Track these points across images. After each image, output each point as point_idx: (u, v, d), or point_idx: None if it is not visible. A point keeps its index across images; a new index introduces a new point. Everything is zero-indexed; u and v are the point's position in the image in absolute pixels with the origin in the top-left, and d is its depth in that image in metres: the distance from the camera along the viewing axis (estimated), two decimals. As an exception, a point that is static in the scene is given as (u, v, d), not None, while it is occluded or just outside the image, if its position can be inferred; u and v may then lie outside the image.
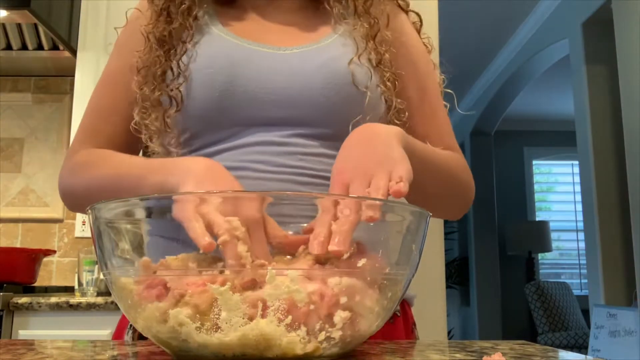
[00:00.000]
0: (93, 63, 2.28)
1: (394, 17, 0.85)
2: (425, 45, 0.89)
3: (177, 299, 0.44)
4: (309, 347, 0.44)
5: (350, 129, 0.75)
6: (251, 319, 0.43)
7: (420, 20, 0.91)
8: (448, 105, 0.89)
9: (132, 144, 0.84)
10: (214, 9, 0.84)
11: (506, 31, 4.71)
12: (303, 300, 0.43)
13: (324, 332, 0.44)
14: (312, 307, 0.44)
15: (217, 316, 0.43)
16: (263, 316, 0.43)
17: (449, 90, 0.91)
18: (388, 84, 0.79)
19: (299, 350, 0.43)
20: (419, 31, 0.90)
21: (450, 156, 0.82)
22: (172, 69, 0.77)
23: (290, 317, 0.43)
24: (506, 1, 4.17)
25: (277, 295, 0.42)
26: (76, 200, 0.81)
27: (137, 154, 0.86)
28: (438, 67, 0.92)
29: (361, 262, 0.46)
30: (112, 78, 0.85)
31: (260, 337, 0.42)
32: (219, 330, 0.42)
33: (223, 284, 0.43)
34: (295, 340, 0.43)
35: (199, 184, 0.57)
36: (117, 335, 0.79)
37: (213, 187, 0.57)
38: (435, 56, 0.93)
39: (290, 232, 0.51)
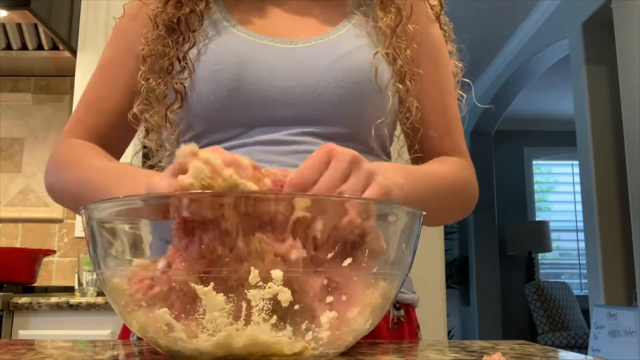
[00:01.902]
0: (93, 63, 2.27)
1: (416, 5, 0.81)
2: (444, 31, 0.86)
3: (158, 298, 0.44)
4: (297, 347, 0.43)
5: (372, 132, 0.73)
6: (236, 319, 0.42)
7: (441, 4, 0.86)
8: (465, 96, 0.86)
9: (118, 139, 0.81)
10: None
11: (506, 31, 4.71)
12: (288, 299, 0.42)
13: (310, 332, 0.43)
14: (297, 307, 0.43)
15: (201, 316, 0.42)
16: (248, 316, 0.42)
17: (467, 80, 0.87)
18: (407, 82, 0.76)
19: (287, 350, 0.43)
20: (438, 16, 0.85)
21: (455, 172, 0.77)
22: (179, 60, 0.74)
23: (275, 317, 0.42)
24: (506, 1, 4.18)
25: (261, 295, 0.42)
26: (56, 195, 0.79)
27: (124, 149, 0.83)
28: (456, 54, 0.88)
29: (346, 262, 0.45)
30: (105, 68, 0.82)
31: (246, 337, 0.42)
32: (205, 330, 0.42)
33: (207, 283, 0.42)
34: (282, 341, 0.42)
35: None
36: (123, 335, 0.79)
37: None
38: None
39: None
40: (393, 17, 0.77)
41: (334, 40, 0.76)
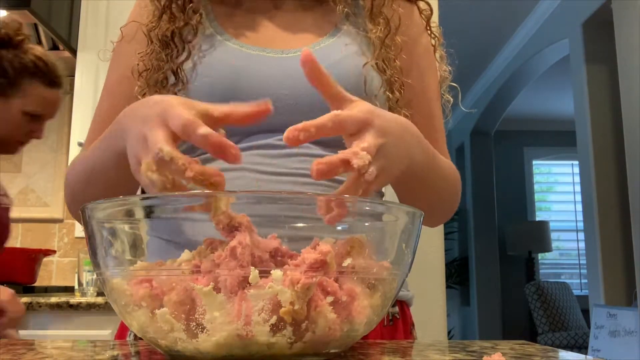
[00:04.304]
0: (93, 63, 2.28)
1: (404, 14, 0.82)
2: (435, 35, 0.87)
3: (160, 298, 0.44)
4: (296, 348, 0.43)
5: None
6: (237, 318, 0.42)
7: (431, 9, 0.87)
8: (451, 100, 0.87)
9: None
10: (213, 9, 0.82)
11: (506, 31, 4.71)
12: (288, 300, 0.42)
13: (310, 333, 0.43)
14: (296, 307, 0.43)
15: (202, 316, 0.42)
16: (248, 316, 0.42)
17: (454, 84, 0.88)
18: (396, 92, 0.77)
19: (286, 350, 0.43)
20: (428, 20, 0.86)
21: (452, 172, 0.79)
22: (173, 73, 0.75)
23: (275, 317, 0.42)
24: (506, 1, 4.18)
25: (261, 295, 0.42)
26: (76, 213, 0.79)
27: None
28: (445, 58, 0.89)
29: (346, 262, 0.45)
30: (110, 91, 0.83)
31: (246, 337, 0.42)
32: (205, 330, 0.42)
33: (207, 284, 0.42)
34: (282, 341, 0.42)
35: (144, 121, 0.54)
36: (119, 335, 0.79)
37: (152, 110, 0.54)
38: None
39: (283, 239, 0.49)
40: (382, 28, 0.79)
41: (324, 49, 0.77)
